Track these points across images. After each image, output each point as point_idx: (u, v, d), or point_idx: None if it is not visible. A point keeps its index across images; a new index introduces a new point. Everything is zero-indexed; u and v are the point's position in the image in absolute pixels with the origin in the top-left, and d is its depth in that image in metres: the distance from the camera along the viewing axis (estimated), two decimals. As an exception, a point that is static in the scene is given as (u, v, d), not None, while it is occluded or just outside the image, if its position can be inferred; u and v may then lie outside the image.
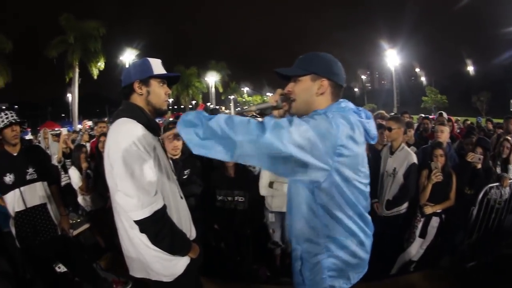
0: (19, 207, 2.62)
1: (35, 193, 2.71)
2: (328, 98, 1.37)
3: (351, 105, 1.39)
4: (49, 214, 2.78)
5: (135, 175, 1.40)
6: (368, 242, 1.41)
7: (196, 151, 1.15)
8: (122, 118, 1.51)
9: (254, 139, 1.08)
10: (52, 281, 2.85)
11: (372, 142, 1.44)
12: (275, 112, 1.52)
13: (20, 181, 2.63)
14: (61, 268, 3.14)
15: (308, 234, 1.37)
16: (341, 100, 1.39)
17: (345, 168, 1.24)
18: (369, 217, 1.41)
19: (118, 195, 1.43)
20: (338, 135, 1.18)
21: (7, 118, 2.59)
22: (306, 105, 1.38)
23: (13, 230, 2.65)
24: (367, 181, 1.37)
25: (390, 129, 3.32)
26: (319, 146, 1.13)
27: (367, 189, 1.39)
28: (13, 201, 2.61)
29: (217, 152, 1.12)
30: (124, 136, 1.44)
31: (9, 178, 2.59)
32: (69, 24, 20.11)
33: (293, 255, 1.48)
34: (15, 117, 2.63)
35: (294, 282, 1.50)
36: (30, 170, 2.70)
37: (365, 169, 1.35)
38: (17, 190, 2.61)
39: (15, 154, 2.66)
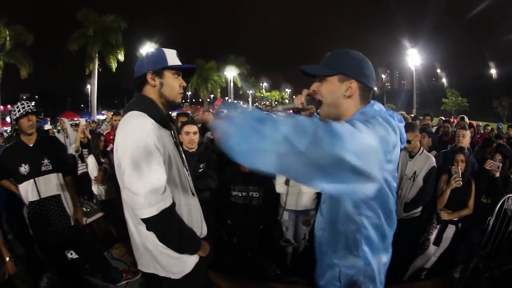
0: (33, 197, 2.65)
1: (50, 184, 2.73)
2: (357, 101, 1.25)
3: (383, 107, 1.28)
4: (63, 205, 2.80)
5: (142, 172, 1.33)
6: (391, 244, 1.38)
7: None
8: (133, 112, 1.46)
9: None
10: (63, 267, 2.91)
11: (402, 146, 1.29)
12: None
13: (35, 172, 2.65)
14: (72, 255, 3.22)
15: (349, 247, 1.30)
16: (373, 102, 1.29)
17: (389, 176, 1.19)
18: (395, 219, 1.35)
19: (125, 192, 1.38)
20: (389, 142, 1.05)
21: (23, 107, 2.60)
22: (333, 108, 1.27)
23: (27, 218, 2.71)
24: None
25: (409, 142, 3.23)
26: (377, 154, 0.92)
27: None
28: (28, 191, 2.64)
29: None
30: (132, 131, 1.38)
31: (24, 169, 2.61)
32: (87, 18, 20.43)
33: (331, 271, 1.38)
34: (32, 107, 2.63)
35: None
36: (46, 161, 2.71)
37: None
38: (31, 180, 2.64)
39: (31, 145, 2.67)
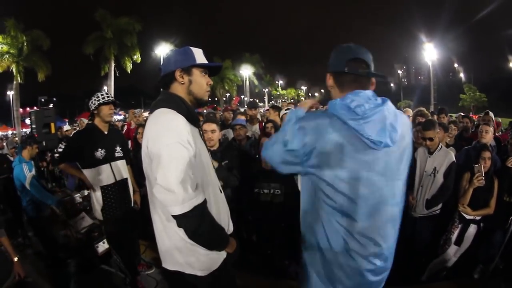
0: (109, 180, 2.84)
1: (122, 169, 2.96)
2: (337, 90, 1.37)
3: (356, 99, 1.24)
4: (129, 188, 3.02)
5: (175, 168, 1.32)
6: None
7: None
8: (162, 109, 1.45)
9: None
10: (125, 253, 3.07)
11: (374, 147, 1.23)
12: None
13: (111, 157, 2.88)
14: (104, 244, 3.28)
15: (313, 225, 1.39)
16: (348, 94, 1.27)
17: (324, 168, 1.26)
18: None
19: (157, 188, 1.35)
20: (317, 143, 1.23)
21: (107, 96, 2.83)
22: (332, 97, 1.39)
23: (99, 203, 2.83)
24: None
25: (431, 139, 3.23)
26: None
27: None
28: (103, 174, 2.82)
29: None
30: (164, 127, 1.37)
31: (100, 153, 2.81)
32: (105, 20, 20.69)
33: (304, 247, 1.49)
34: (113, 99, 2.86)
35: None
36: (118, 149, 2.96)
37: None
38: (108, 165, 2.84)
39: (106, 133, 2.90)
